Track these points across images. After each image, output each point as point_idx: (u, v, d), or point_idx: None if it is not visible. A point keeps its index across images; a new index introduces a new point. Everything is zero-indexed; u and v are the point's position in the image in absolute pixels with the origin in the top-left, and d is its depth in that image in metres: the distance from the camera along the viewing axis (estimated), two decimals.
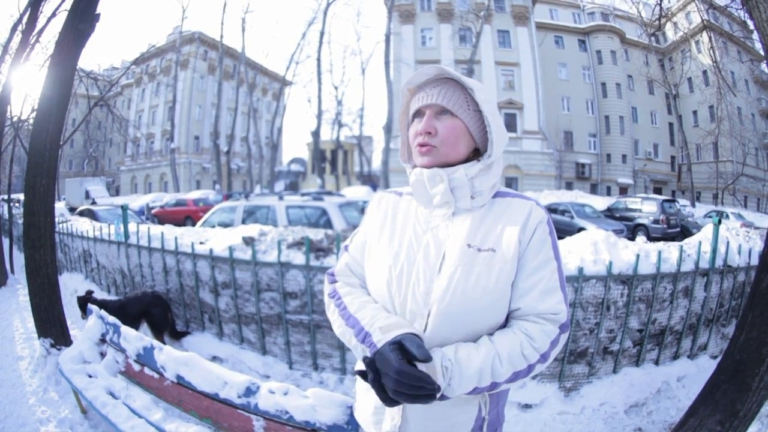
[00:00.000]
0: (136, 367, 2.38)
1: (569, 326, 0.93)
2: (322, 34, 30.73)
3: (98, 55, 39.75)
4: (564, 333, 0.91)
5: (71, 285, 5.49)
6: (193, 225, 7.57)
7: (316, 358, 3.29)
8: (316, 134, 31.32)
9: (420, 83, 0.99)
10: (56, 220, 4.98)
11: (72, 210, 13.05)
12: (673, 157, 29.23)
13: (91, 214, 9.74)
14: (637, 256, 3.03)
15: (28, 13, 6.25)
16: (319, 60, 31.00)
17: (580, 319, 2.97)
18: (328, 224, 5.36)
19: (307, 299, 3.21)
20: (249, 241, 3.57)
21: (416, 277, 0.91)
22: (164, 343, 3.29)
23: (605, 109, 28.55)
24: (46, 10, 6.40)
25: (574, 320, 2.95)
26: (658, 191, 27.18)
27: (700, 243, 3.38)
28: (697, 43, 24.69)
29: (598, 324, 2.99)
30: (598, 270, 2.96)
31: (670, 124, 28.87)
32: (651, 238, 9.97)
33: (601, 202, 18.22)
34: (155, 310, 3.70)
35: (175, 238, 3.91)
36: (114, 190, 31.83)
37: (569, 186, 26.36)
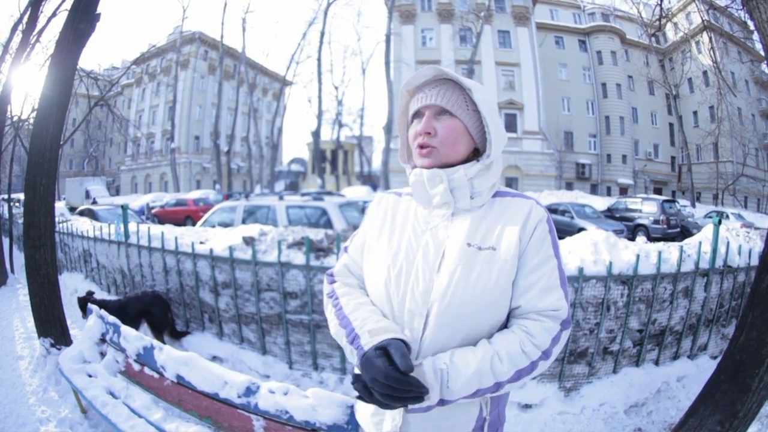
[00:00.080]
0: (136, 366, 2.38)
1: (570, 323, 0.93)
2: (322, 34, 30.83)
3: (98, 54, 39.68)
4: (565, 330, 0.91)
5: (71, 285, 5.49)
6: (194, 225, 7.56)
7: (316, 358, 3.29)
8: (316, 134, 31.35)
9: (419, 84, 1.00)
10: (56, 219, 4.99)
11: (72, 210, 13.04)
12: (673, 158, 29.23)
13: (91, 214, 9.75)
14: (637, 256, 3.03)
15: (28, 12, 6.25)
16: (319, 60, 31.09)
17: (580, 319, 2.97)
18: (329, 224, 5.36)
19: (307, 299, 3.21)
20: (249, 241, 3.57)
21: (415, 276, 0.92)
22: (164, 342, 3.30)
23: (605, 109, 28.54)
24: (46, 9, 6.42)
25: (575, 320, 2.95)
26: (658, 191, 27.19)
27: (700, 243, 3.38)
28: (697, 43, 24.69)
29: (598, 324, 2.99)
30: (599, 270, 2.96)
31: (671, 125, 28.87)
32: (651, 239, 9.96)
33: (601, 203, 18.22)
34: (155, 310, 3.70)
35: (176, 238, 3.91)
36: (114, 189, 31.84)
37: (569, 186, 26.36)
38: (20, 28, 6.59)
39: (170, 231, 4.51)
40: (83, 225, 6.31)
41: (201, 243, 3.80)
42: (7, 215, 8.87)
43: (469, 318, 0.88)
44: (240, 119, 33.83)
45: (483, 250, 0.90)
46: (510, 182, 25.38)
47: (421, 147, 0.95)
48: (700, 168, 26.39)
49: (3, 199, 9.86)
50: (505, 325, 0.93)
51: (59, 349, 3.26)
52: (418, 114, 0.97)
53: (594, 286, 2.95)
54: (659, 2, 5.53)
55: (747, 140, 24.92)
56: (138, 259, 4.35)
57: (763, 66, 22.31)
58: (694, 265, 3.23)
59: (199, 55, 32.33)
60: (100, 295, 4.32)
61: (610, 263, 2.94)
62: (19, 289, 6.10)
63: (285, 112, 36.20)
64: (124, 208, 5.03)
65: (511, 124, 26.20)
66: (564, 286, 0.92)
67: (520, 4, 27.25)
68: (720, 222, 3.41)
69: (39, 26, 6.42)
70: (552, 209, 13.44)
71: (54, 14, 6.48)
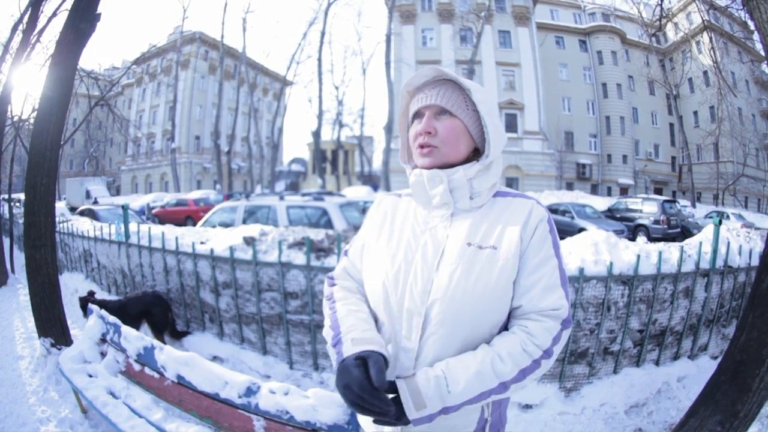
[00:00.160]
0: (137, 366, 2.38)
1: (571, 322, 0.93)
2: (323, 34, 30.80)
3: (99, 54, 39.91)
4: (566, 329, 0.91)
5: (72, 285, 5.50)
6: (194, 225, 7.57)
7: (316, 358, 3.29)
8: (316, 134, 31.34)
9: (419, 85, 1.00)
10: (57, 219, 4.98)
11: (72, 210, 13.05)
12: (673, 158, 29.22)
13: (91, 214, 9.75)
14: (638, 256, 3.03)
15: (28, 12, 6.25)
16: (319, 60, 31.06)
17: (581, 319, 2.97)
18: (329, 224, 5.36)
19: (307, 299, 3.21)
20: (250, 241, 3.57)
21: (414, 276, 0.92)
22: (165, 342, 3.30)
23: (606, 109, 28.53)
24: (46, 9, 6.41)
25: (575, 321, 2.95)
26: (658, 192, 27.17)
27: (700, 243, 3.38)
28: (697, 43, 24.67)
29: (599, 324, 2.99)
30: (599, 270, 2.96)
31: (671, 125, 28.86)
32: (651, 239, 9.97)
33: (601, 203, 18.22)
34: (156, 310, 3.70)
35: (176, 238, 3.91)
36: (114, 189, 31.87)
37: (570, 186, 26.35)
38: (20, 28, 6.59)
39: (171, 231, 4.51)
40: (84, 225, 6.32)
41: (201, 243, 3.81)
42: (7, 215, 8.87)
43: (471, 317, 0.88)
44: (240, 119, 33.84)
45: (484, 249, 0.90)
46: (510, 182, 25.38)
47: (422, 147, 0.95)
48: (700, 168, 26.38)
49: (3, 199, 9.85)
50: (505, 325, 0.93)
51: (59, 349, 3.26)
52: (418, 114, 0.98)
53: (594, 286, 2.95)
54: (659, 2, 5.53)
55: (747, 140, 24.91)
56: (138, 259, 4.35)
57: (764, 66, 22.30)
58: (694, 266, 3.23)
59: (199, 55, 32.35)
60: (101, 295, 4.32)
61: (611, 263, 2.94)
62: (19, 289, 6.10)
63: (285, 112, 36.23)
64: (125, 208, 5.03)
65: (511, 124, 26.20)
66: (565, 286, 0.92)
67: (521, 4, 27.24)
68: (720, 222, 3.41)
69: (39, 26, 6.42)
70: (552, 209, 13.45)
71: (54, 14, 6.48)
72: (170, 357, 2.17)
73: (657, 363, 3.26)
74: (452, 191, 0.94)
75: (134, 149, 33.08)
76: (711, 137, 22.21)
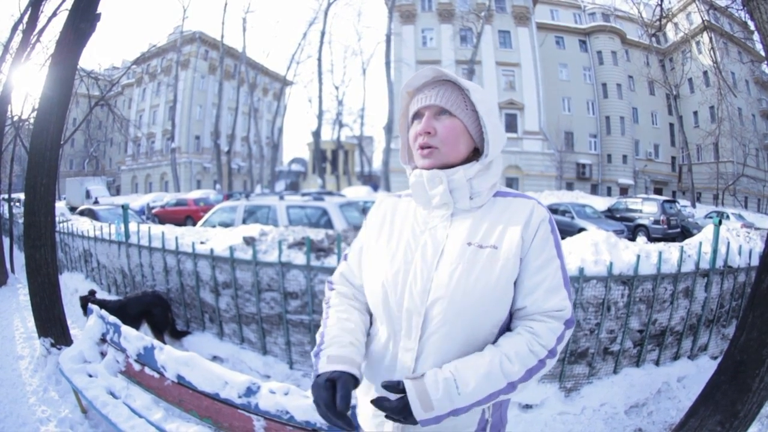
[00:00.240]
0: (137, 366, 2.38)
1: (574, 321, 0.94)
2: (322, 34, 30.80)
3: (99, 54, 39.88)
4: (569, 329, 0.92)
5: (72, 284, 5.50)
6: (194, 225, 7.57)
7: None
8: (316, 134, 31.34)
9: (418, 85, 1.00)
10: (57, 219, 4.98)
11: (72, 209, 13.05)
12: (673, 158, 29.22)
13: (91, 214, 9.75)
14: (638, 256, 3.02)
15: (28, 12, 6.25)
16: (319, 60, 31.06)
17: (581, 319, 2.97)
18: (329, 224, 5.36)
19: (307, 299, 3.21)
20: (250, 241, 3.57)
21: (413, 275, 0.92)
22: (165, 342, 3.29)
23: (606, 109, 28.53)
24: (46, 9, 6.42)
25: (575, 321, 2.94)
26: (658, 192, 27.17)
27: (700, 244, 3.38)
28: (697, 43, 24.68)
29: (599, 324, 2.99)
30: (599, 270, 2.96)
31: (671, 125, 28.85)
32: (651, 239, 9.98)
33: (601, 203, 18.22)
34: (156, 310, 3.70)
35: (176, 238, 3.91)
36: (114, 189, 31.85)
37: (570, 186, 26.35)
38: (20, 27, 6.59)
39: (171, 231, 4.51)
40: (83, 225, 6.32)
41: (201, 243, 3.81)
42: (7, 215, 8.87)
43: (471, 316, 0.88)
44: (240, 119, 33.83)
45: (484, 249, 0.90)
46: (510, 182, 25.37)
47: (423, 148, 0.95)
48: (700, 168, 26.37)
49: (3, 199, 9.85)
50: (506, 325, 0.93)
51: (59, 349, 3.26)
52: (418, 115, 0.98)
53: (594, 286, 2.95)
54: (659, 2, 5.53)
55: (747, 140, 24.91)
56: (138, 259, 4.35)
57: (764, 66, 22.30)
58: (694, 266, 3.23)
59: (199, 55, 32.34)
60: (101, 295, 4.32)
61: (611, 263, 2.94)
62: (19, 289, 6.10)
63: (285, 112, 36.22)
64: (125, 207, 5.03)
65: (511, 124, 26.20)
66: (567, 286, 0.93)
67: (521, 4, 27.24)
68: (720, 222, 3.41)
69: (39, 26, 6.42)
70: (552, 209, 13.44)
71: (54, 14, 6.48)
72: (170, 357, 2.17)
73: (657, 363, 3.26)
74: (452, 191, 0.95)
75: (134, 149, 33.08)
76: (711, 137, 22.21)
